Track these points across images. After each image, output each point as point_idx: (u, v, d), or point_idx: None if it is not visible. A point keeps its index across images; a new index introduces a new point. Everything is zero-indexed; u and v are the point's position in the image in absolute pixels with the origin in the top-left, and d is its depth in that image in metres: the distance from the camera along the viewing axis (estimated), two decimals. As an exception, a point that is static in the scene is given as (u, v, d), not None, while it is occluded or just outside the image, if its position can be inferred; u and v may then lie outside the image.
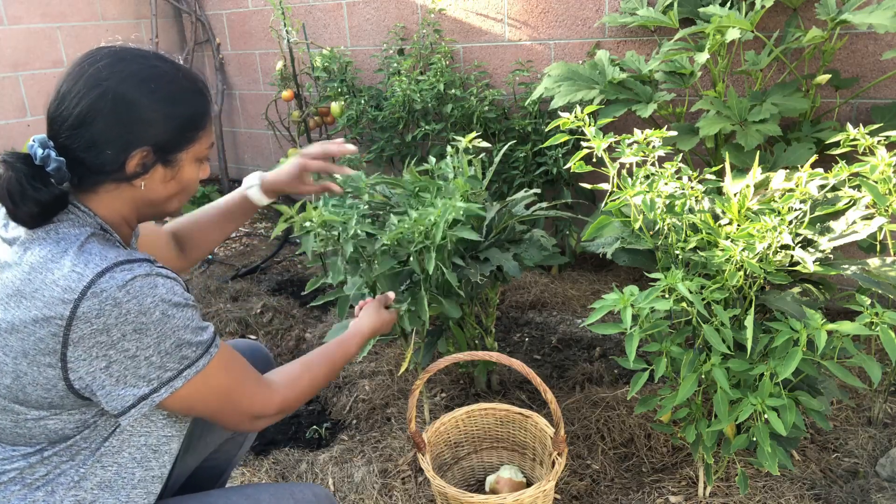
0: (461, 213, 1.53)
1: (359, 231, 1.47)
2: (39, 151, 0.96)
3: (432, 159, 1.84)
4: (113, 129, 0.97)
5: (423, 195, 1.72)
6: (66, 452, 0.97)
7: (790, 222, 1.36)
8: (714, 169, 1.54)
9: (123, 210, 1.04)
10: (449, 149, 1.82)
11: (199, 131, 1.06)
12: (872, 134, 1.53)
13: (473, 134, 1.84)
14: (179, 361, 0.96)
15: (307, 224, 1.47)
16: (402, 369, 1.74)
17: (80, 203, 1.00)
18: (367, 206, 1.71)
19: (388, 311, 1.48)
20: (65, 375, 0.91)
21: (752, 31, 2.04)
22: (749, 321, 1.27)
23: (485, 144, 1.86)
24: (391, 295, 1.54)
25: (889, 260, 1.40)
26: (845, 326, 1.22)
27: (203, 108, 1.07)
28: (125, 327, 0.91)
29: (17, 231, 0.97)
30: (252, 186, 1.43)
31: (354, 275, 1.61)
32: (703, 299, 1.31)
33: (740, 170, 1.96)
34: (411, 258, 1.56)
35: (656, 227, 1.45)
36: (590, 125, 1.52)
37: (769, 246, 1.30)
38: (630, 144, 1.50)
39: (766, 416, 1.27)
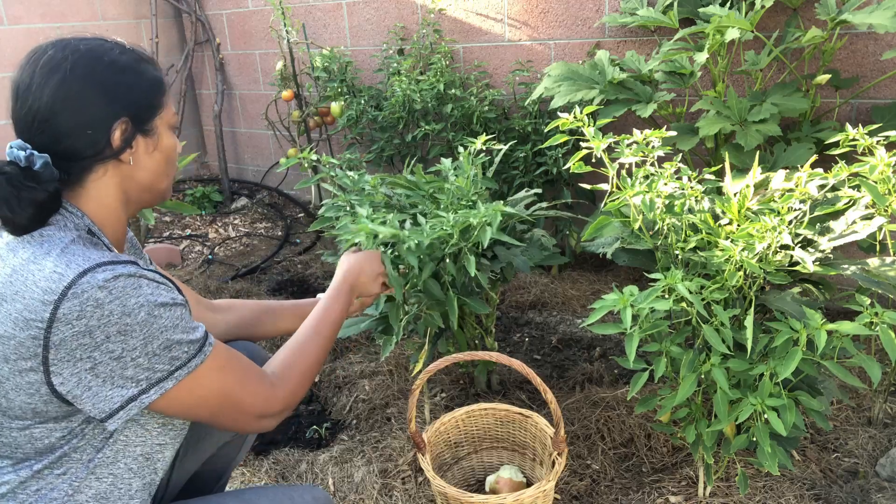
0: (502, 216, 1.52)
1: (413, 245, 1.42)
2: (21, 154, 0.94)
3: (446, 161, 1.84)
4: (86, 110, 0.96)
5: (439, 196, 1.72)
6: (58, 466, 0.95)
7: (790, 222, 1.36)
8: (714, 169, 1.54)
9: (115, 199, 1.02)
10: (462, 150, 1.82)
11: (162, 96, 1.06)
12: (872, 134, 1.54)
13: (485, 136, 1.84)
14: (170, 362, 0.93)
15: (360, 240, 1.44)
16: (416, 370, 1.74)
17: (69, 203, 0.99)
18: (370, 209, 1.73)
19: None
20: (47, 379, 0.89)
21: (752, 31, 2.04)
22: (749, 321, 1.27)
23: (498, 146, 1.86)
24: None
25: (889, 260, 1.40)
26: (845, 326, 1.22)
27: (159, 74, 1.07)
28: (108, 329, 0.88)
29: (6, 237, 0.96)
30: None
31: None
32: (703, 299, 1.31)
33: (740, 170, 1.96)
34: (446, 259, 1.55)
35: (656, 228, 1.45)
36: (589, 125, 1.52)
37: (769, 246, 1.30)
38: (629, 145, 1.50)
39: (766, 416, 1.27)
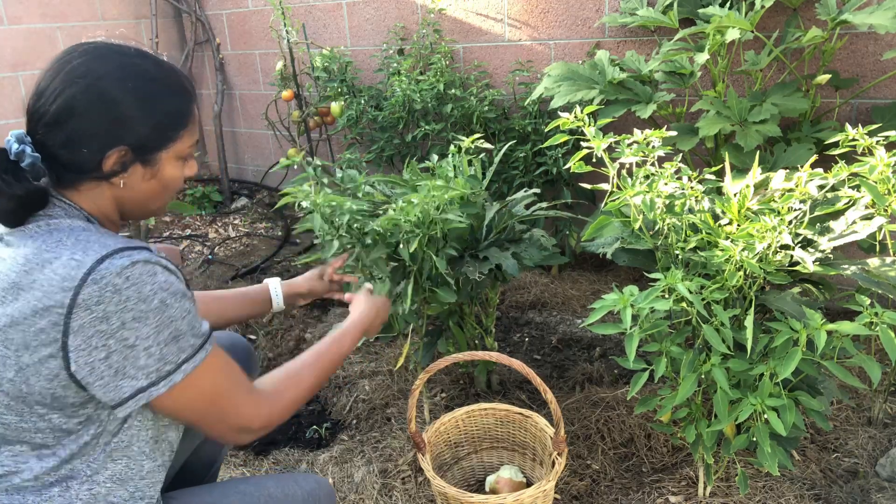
0: (445, 195, 1.54)
1: (353, 206, 1.50)
2: (14, 146, 0.94)
3: (434, 157, 1.84)
4: (88, 128, 0.96)
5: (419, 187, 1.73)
6: (77, 451, 0.97)
7: (790, 222, 1.36)
8: (714, 169, 1.54)
9: (106, 207, 1.03)
10: (452, 148, 1.82)
11: (179, 130, 1.04)
12: (872, 134, 1.54)
13: (477, 135, 1.84)
14: (177, 354, 0.95)
15: (307, 204, 1.51)
16: (398, 364, 1.75)
17: (63, 196, 0.99)
18: (368, 205, 1.72)
19: (380, 297, 1.45)
20: (66, 364, 0.91)
21: (752, 31, 2.04)
22: (749, 321, 1.27)
23: (487, 145, 1.86)
24: (369, 286, 1.51)
25: (889, 260, 1.40)
26: (845, 326, 1.22)
27: (184, 106, 1.05)
28: (125, 315, 0.90)
29: (3, 227, 0.97)
30: (276, 287, 1.50)
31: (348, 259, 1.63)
32: (703, 299, 1.31)
33: (740, 170, 1.96)
34: (400, 245, 1.57)
35: (656, 227, 1.45)
36: (589, 125, 1.52)
37: (769, 246, 1.30)
38: (630, 144, 1.50)
39: (765, 416, 1.27)
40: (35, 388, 0.92)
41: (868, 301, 1.25)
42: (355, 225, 1.55)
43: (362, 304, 1.40)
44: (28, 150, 0.95)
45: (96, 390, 0.93)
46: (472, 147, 1.82)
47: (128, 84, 0.98)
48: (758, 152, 1.97)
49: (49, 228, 0.94)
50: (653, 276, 1.32)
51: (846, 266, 1.40)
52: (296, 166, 1.62)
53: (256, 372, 1.54)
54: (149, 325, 0.92)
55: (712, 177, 1.50)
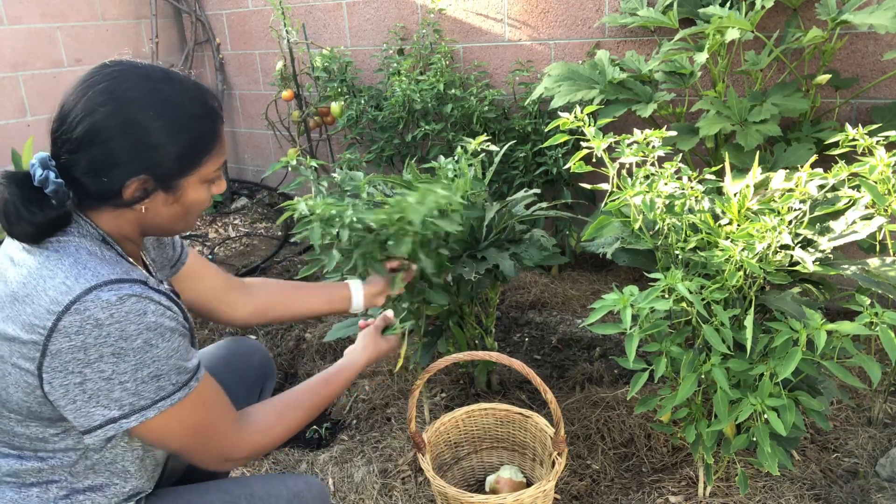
0: (442, 200, 1.50)
1: (354, 219, 1.47)
2: (38, 172, 0.94)
3: (441, 158, 1.84)
4: (108, 157, 0.94)
5: None
6: (60, 461, 0.98)
7: (790, 222, 1.36)
8: (714, 169, 1.54)
9: (126, 229, 1.03)
10: (459, 150, 1.82)
11: (203, 156, 1.02)
12: (872, 134, 1.54)
13: (483, 137, 1.84)
14: (156, 392, 0.94)
15: (308, 214, 1.46)
16: (398, 366, 1.75)
17: (83, 215, 0.99)
18: (367, 206, 1.71)
19: (385, 340, 1.45)
20: (40, 384, 0.91)
21: (752, 31, 2.04)
22: (749, 321, 1.27)
23: (493, 147, 1.86)
24: (390, 314, 1.49)
25: (889, 260, 1.40)
26: (845, 326, 1.22)
27: (209, 132, 1.02)
28: (103, 349, 0.89)
29: None
30: (357, 288, 1.48)
31: (348, 264, 1.60)
32: (703, 299, 1.31)
33: (740, 170, 1.95)
34: (389, 241, 1.56)
35: (656, 227, 1.45)
36: (589, 125, 1.52)
37: (769, 246, 1.30)
38: (630, 144, 1.50)
39: (765, 416, 1.27)
40: (13, 398, 0.93)
41: (868, 301, 1.25)
42: (354, 234, 1.52)
43: (368, 345, 1.39)
44: (52, 176, 0.94)
45: (68, 413, 0.92)
46: (478, 149, 1.82)
47: (149, 113, 0.95)
48: (758, 152, 1.97)
49: (59, 245, 0.94)
50: (653, 276, 1.32)
51: (846, 266, 1.40)
52: (290, 168, 1.60)
53: (273, 380, 1.54)
54: (127, 362, 0.91)
55: (712, 177, 1.50)
